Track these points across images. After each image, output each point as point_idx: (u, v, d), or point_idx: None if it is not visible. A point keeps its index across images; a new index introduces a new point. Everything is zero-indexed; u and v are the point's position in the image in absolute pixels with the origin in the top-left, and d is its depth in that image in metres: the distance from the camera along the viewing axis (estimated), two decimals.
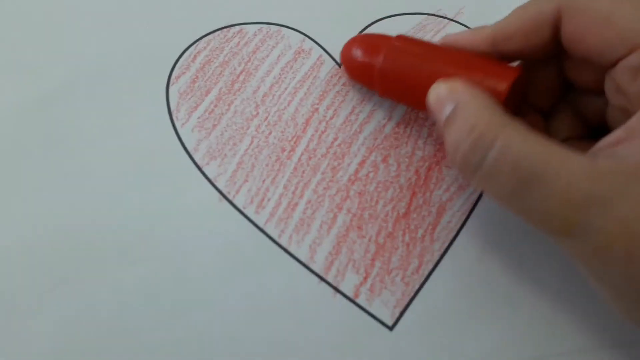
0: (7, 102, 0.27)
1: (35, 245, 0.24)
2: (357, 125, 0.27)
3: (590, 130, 0.24)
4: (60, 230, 0.24)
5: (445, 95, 0.21)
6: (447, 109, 0.20)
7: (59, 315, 0.23)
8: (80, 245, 0.24)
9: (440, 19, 0.30)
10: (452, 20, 0.30)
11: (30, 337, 0.22)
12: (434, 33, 0.30)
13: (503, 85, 0.21)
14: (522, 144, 0.18)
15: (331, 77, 0.28)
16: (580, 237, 0.17)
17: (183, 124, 0.27)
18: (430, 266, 0.24)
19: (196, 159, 0.26)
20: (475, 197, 0.26)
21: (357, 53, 0.25)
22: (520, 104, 0.24)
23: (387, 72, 0.24)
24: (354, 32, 0.30)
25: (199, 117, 0.27)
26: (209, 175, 0.26)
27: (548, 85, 0.24)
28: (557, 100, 0.24)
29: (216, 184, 0.25)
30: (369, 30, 0.30)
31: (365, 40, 0.26)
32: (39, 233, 0.24)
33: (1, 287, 0.23)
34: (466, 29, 0.30)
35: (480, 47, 0.23)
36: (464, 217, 0.25)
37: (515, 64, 0.23)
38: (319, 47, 0.29)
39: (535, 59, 0.23)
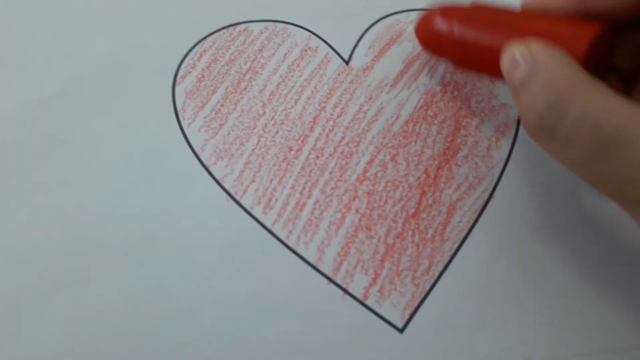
0: (14, 101, 0.27)
1: (42, 245, 0.24)
2: (365, 124, 0.27)
3: None
4: (67, 230, 0.24)
5: (521, 55, 0.19)
6: (523, 71, 0.19)
7: (65, 315, 0.23)
8: (87, 245, 0.24)
9: None
10: None
11: (37, 337, 0.22)
12: None
13: (582, 44, 0.20)
14: (603, 105, 0.17)
15: (338, 75, 0.28)
16: None
17: (189, 123, 0.26)
18: (441, 267, 0.24)
19: (203, 159, 0.26)
20: (486, 196, 0.25)
21: (432, 24, 0.25)
22: (605, 66, 0.22)
23: (462, 41, 0.23)
24: (360, 29, 0.29)
25: (205, 117, 0.27)
26: (216, 176, 0.25)
27: (634, 48, 0.22)
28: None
29: (223, 184, 0.25)
30: (376, 27, 0.29)
31: (439, 12, 0.25)
32: (45, 233, 0.24)
33: (8, 287, 0.23)
34: None
35: (566, 5, 0.21)
36: (474, 216, 0.25)
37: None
38: (325, 45, 0.29)
39: (625, 19, 0.21)
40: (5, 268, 0.23)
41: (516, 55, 0.20)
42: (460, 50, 0.24)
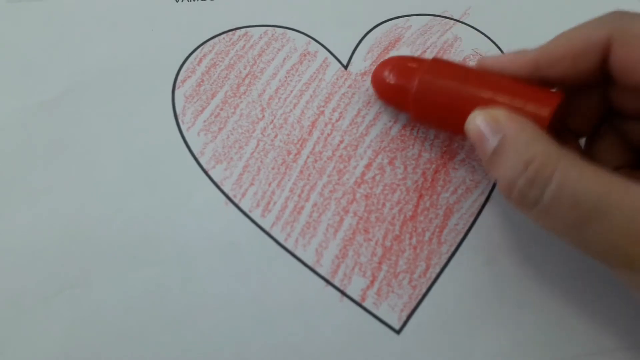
0: (14, 105, 0.27)
1: (43, 248, 0.24)
2: (364, 128, 0.27)
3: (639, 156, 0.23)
4: (67, 233, 0.24)
5: (488, 125, 0.20)
6: (493, 141, 0.20)
7: (66, 317, 0.23)
8: (87, 248, 0.24)
9: (447, 20, 0.30)
10: (458, 21, 0.30)
11: (37, 339, 0.22)
12: (440, 34, 0.30)
13: (546, 111, 0.20)
14: (580, 177, 0.17)
15: (337, 79, 0.28)
16: None
17: (189, 127, 0.27)
18: (438, 269, 0.24)
19: (202, 163, 0.26)
20: (482, 199, 0.26)
21: (390, 76, 0.25)
22: (560, 129, 0.23)
23: (422, 96, 0.23)
24: (359, 34, 0.30)
25: (204, 121, 0.27)
26: (215, 179, 0.26)
27: (589, 110, 0.23)
28: (597, 125, 0.23)
29: (222, 187, 0.25)
30: (375, 32, 0.30)
31: (399, 63, 0.25)
32: (45, 236, 0.24)
33: (9, 289, 0.23)
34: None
35: (522, 72, 0.22)
36: (471, 219, 0.25)
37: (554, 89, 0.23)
38: (324, 50, 0.29)
39: (578, 85, 0.22)
40: (7, 270, 0.24)
41: (483, 124, 0.20)
42: (419, 106, 0.24)
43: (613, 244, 0.17)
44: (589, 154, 0.24)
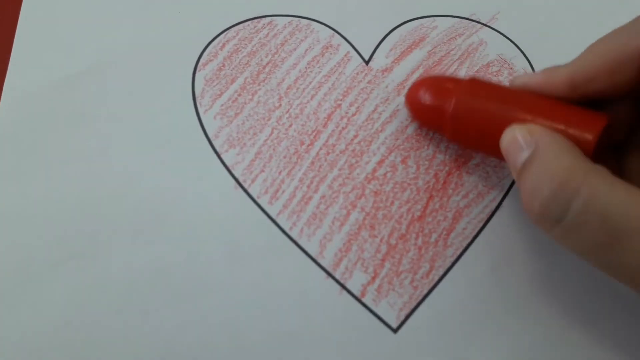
0: (40, 76, 0.28)
1: (54, 216, 0.25)
2: (379, 124, 0.27)
3: None
4: (78, 204, 0.25)
5: (522, 138, 0.19)
6: (524, 154, 0.19)
7: (70, 285, 0.23)
8: (96, 220, 0.24)
9: (474, 23, 0.30)
10: (485, 25, 0.30)
11: (41, 305, 0.23)
12: (466, 37, 0.29)
13: (592, 136, 0.19)
14: (610, 194, 0.17)
15: (357, 74, 0.28)
16: None
17: (206, 110, 0.27)
18: (441, 272, 0.24)
19: (216, 146, 0.26)
20: (494, 205, 0.25)
21: (426, 96, 0.24)
22: (604, 149, 0.22)
23: (459, 117, 0.22)
24: (384, 31, 0.29)
25: (222, 105, 0.27)
26: (227, 163, 0.26)
27: (623, 120, 0.22)
28: (630, 135, 0.22)
29: (233, 171, 0.26)
30: (400, 30, 0.29)
31: (434, 83, 0.24)
32: (57, 204, 0.25)
33: (18, 256, 0.24)
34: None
35: (558, 91, 0.21)
36: (480, 225, 0.25)
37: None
38: (347, 44, 0.29)
39: (616, 98, 0.21)
40: (18, 235, 0.24)
41: (518, 137, 0.20)
42: (455, 127, 0.23)
43: None
44: (624, 166, 0.22)
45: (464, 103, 0.22)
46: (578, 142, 0.19)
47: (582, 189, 0.17)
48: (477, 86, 0.23)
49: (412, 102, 0.25)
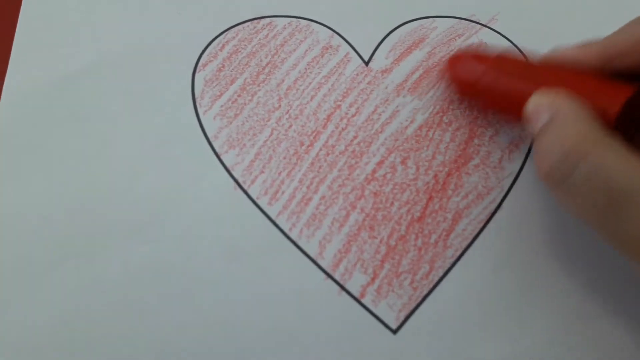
0: (39, 75, 0.28)
1: (53, 216, 0.25)
2: (379, 125, 0.27)
3: None
4: (77, 203, 0.25)
5: (545, 103, 0.20)
6: (544, 118, 0.20)
7: (69, 286, 0.23)
8: (95, 220, 0.24)
9: (473, 24, 0.30)
10: (484, 26, 0.30)
11: (40, 305, 0.23)
12: (465, 38, 0.29)
13: (614, 106, 0.20)
14: (617, 162, 0.17)
15: (356, 75, 0.28)
16: None
17: (206, 111, 0.27)
18: (441, 273, 0.24)
19: (215, 147, 0.26)
20: (493, 207, 0.25)
21: (463, 63, 0.26)
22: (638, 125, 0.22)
23: (492, 86, 0.24)
24: (384, 32, 0.29)
25: (221, 106, 0.27)
26: (227, 164, 0.26)
27: None
28: None
29: (232, 172, 0.26)
30: (400, 30, 0.29)
31: (471, 53, 0.26)
32: (56, 204, 0.25)
33: (16, 254, 0.24)
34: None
35: (592, 63, 0.21)
36: (480, 226, 0.25)
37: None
38: (347, 45, 0.29)
39: None
40: (17, 235, 0.24)
41: (541, 101, 0.20)
42: (488, 95, 0.24)
43: None
44: None
45: (495, 74, 0.24)
46: (601, 111, 0.19)
47: (589, 156, 0.17)
48: (508, 60, 0.24)
49: (453, 73, 0.26)
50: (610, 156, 0.17)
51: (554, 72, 0.22)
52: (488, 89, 0.24)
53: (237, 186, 0.25)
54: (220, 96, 0.27)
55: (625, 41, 0.20)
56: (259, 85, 0.28)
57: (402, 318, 0.23)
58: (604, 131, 0.18)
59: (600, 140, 0.18)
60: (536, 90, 0.21)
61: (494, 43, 0.29)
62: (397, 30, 0.30)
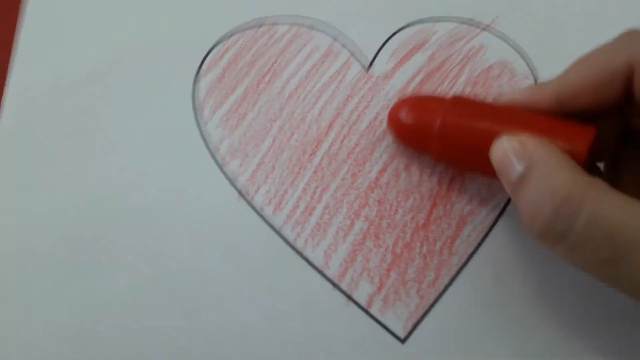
0: (42, 82, 0.28)
1: (54, 223, 0.25)
2: (381, 132, 0.27)
3: None
4: (79, 215, 0.25)
5: (515, 151, 0.19)
6: (518, 168, 0.19)
7: (73, 302, 0.23)
8: (98, 235, 0.24)
9: (474, 27, 0.30)
10: (485, 29, 0.30)
11: (43, 310, 0.23)
12: (466, 41, 0.29)
13: (582, 147, 0.19)
14: (612, 208, 0.16)
15: (357, 81, 0.28)
16: None
17: (207, 121, 0.27)
18: (447, 280, 0.24)
19: (217, 157, 0.26)
20: (497, 212, 0.25)
21: (409, 116, 0.24)
22: (591, 165, 0.22)
23: (446, 137, 0.22)
24: (384, 37, 0.29)
25: (223, 115, 0.27)
26: (229, 174, 0.26)
27: (609, 134, 0.22)
28: (617, 148, 0.23)
29: (235, 183, 0.25)
30: (400, 35, 0.29)
31: (417, 103, 0.24)
32: (58, 216, 0.25)
33: (19, 257, 0.24)
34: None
35: (543, 106, 0.21)
36: (484, 231, 0.25)
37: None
38: (347, 51, 0.29)
39: (600, 113, 0.21)
40: (20, 237, 0.24)
41: (509, 150, 0.19)
42: (442, 147, 0.22)
43: None
44: (617, 181, 0.22)
45: (450, 121, 0.22)
46: (569, 154, 0.19)
47: (584, 205, 0.17)
48: (462, 104, 0.22)
49: (395, 122, 0.24)
50: (604, 203, 0.17)
51: (513, 114, 0.21)
52: (443, 138, 0.22)
53: (240, 197, 0.25)
54: (221, 105, 0.27)
55: (576, 83, 0.20)
56: (259, 94, 0.27)
57: (409, 327, 0.23)
58: (588, 175, 0.18)
59: (590, 186, 0.17)
60: (498, 136, 0.20)
61: (495, 46, 0.29)
62: (398, 34, 0.29)
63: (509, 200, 0.25)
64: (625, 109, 0.21)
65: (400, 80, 0.28)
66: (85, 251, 0.24)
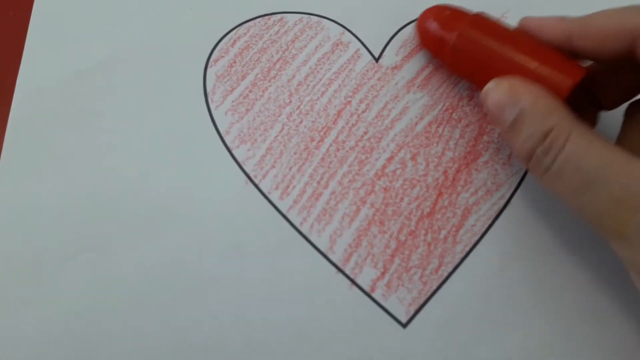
0: (52, 72, 0.28)
1: (66, 211, 0.25)
2: (389, 121, 0.27)
3: None
4: (90, 198, 0.25)
5: (506, 98, 0.21)
6: (511, 113, 0.21)
7: (80, 282, 0.24)
8: (108, 215, 0.25)
9: None
10: None
11: (52, 301, 0.23)
12: None
13: (567, 83, 0.21)
14: (587, 147, 0.19)
15: (367, 71, 0.28)
16: (633, 238, 0.18)
17: (217, 106, 0.27)
18: (450, 268, 0.24)
19: (227, 142, 0.26)
20: (502, 203, 0.25)
21: (433, 25, 0.26)
22: (582, 101, 0.24)
23: (459, 50, 0.24)
24: (394, 29, 0.30)
25: (233, 101, 0.27)
26: (238, 158, 0.26)
27: (618, 87, 0.24)
28: (626, 101, 0.24)
29: (244, 167, 0.26)
30: (410, 27, 0.30)
31: (443, 14, 0.26)
32: (69, 199, 0.25)
33: (28, 251, 0.24)
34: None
35: (555, 38, 0.23)
36: (489, 221, 0.25)
37: (587, 63, 0.23)
38: (357, 41, 0.29)
39: (607, 61, 0.23)
40: (29, 230, 0.25)
41: (501, 96, 0.21)
42: (454, 58, 0.25)
43: (607, 210, 0.19)
44: (625, 133, 0.24)
45: (463, 38, 0.24)
46: (555, 87, 0.21)
47: (566, 145, 0.20)
48: (480, 23, 0.24)
49: (421, 29, 0.27)
50: (581, 143, 0.19)
51: (522, 42, 0.23)
52: (458, 48, 0.24)
53: (248, 181, 0.25)
54: (231, 91, 0.28)
55: (590, 25, 0.22)
56: (269, 81, 0.28)
57: (411, 312, 0.23)
58: (572, 118, 0.20)
59: (573, 128, 0.20)
60: (501, 62, 0.23)
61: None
62: (408, 26, 0.30)
63: (514, 192, 0.26)
64: (631, 66, 0.22)
65: (409, 72, 0.28)
66: (93, 234, 0.25)
